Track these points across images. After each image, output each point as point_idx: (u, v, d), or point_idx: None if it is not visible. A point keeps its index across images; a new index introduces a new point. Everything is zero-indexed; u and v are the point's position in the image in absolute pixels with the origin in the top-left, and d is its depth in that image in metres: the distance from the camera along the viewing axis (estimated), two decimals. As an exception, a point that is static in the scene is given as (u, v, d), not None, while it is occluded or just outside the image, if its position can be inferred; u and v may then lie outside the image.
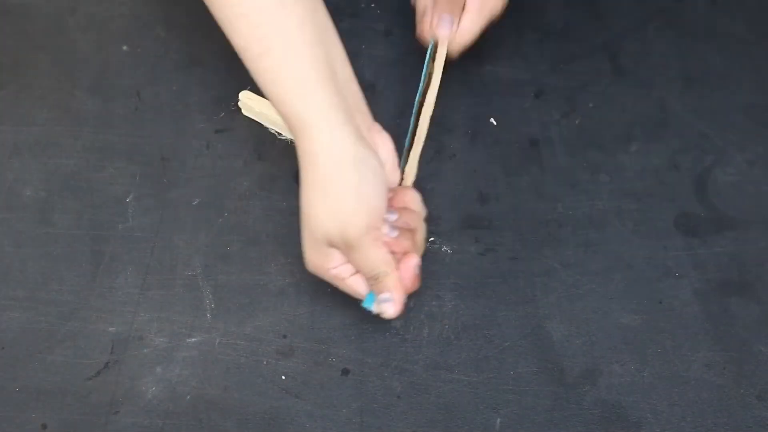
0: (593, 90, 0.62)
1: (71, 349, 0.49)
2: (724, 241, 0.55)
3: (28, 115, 0.60)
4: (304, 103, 0.43)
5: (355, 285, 0.47)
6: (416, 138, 0.53)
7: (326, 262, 0.46)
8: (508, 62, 0.64)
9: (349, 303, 0.51)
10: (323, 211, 0.44)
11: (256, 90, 0.53)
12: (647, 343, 0.50)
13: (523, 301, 0.52)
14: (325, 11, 0.45)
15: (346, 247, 0.44)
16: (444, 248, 0.54)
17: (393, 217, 0.46)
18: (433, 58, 0.56)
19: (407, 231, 0.46)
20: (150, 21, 0.66)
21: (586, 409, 0.47)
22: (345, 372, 0.49)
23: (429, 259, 0.53)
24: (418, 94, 0.54)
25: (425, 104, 0.54)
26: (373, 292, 0.46)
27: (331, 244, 0.45)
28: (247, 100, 0.58)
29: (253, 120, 0.60)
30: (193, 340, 0.49)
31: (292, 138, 0.47)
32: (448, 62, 0.56)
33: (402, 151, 0.51)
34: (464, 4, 0.56)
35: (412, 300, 0.51)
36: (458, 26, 0.56)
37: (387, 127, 0.48)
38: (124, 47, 0.64)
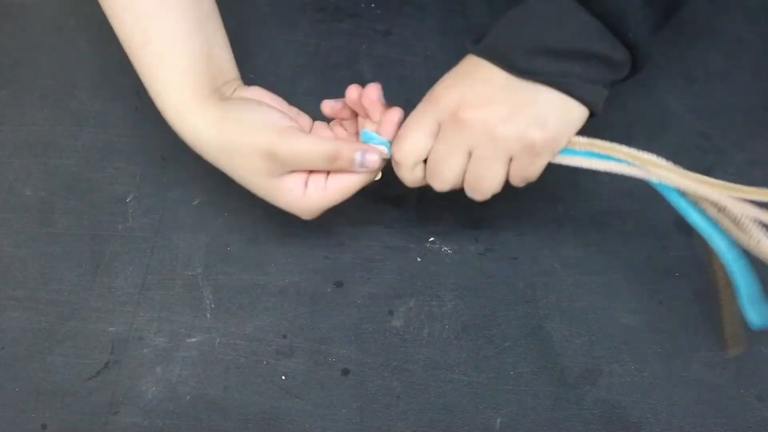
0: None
1: (71, 349, 0.49)
2: (724, 241, 0.55)
3: (28, 115, 0.60)
4: (180, 96, 0.46)
5: (341, 180, 0.47)
6: None
7: (295, 189, 0.46)
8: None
9: (349, 303, 0.51)
10: (237, 169, 0.46)
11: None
12: (647, 343, 0.50)
13: (523, 301, 0.52)
14: None
15: (281, 166, 0.45)
16: (444, 248, 0.54)
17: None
18: None
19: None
20: (150, 21, 0.66)
21: (586, 409, 0.47)
22: (345, 372, 0.49)
23: (429, 259, 0.53)
24: None
25: None
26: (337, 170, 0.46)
27: (275, 173, 0.46)
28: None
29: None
30: (193, 340, 0.49)
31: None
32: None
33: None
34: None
35: (412, 300, 0.51)
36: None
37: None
38: (124, 47, 0.64)
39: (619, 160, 0.44)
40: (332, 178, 0.47)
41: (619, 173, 0.44)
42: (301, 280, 0.52)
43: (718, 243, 0.42)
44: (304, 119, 0.49)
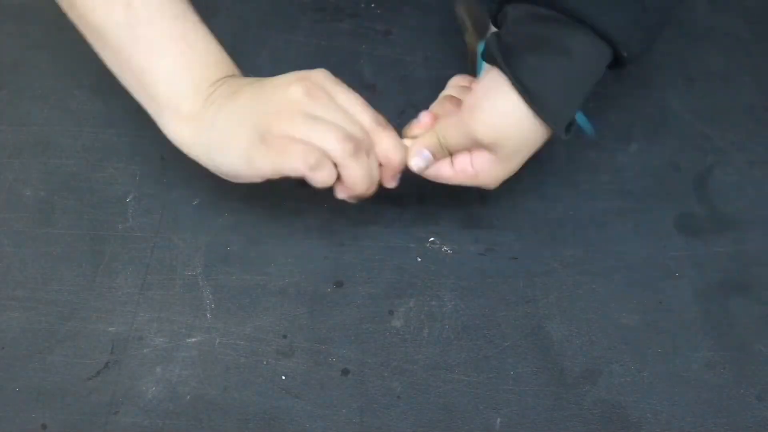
0: (593, 90, 0.62)
1: (71, 349, 0.49)
2: (724, 241, 0.55)
3: (28, 115, 0.60)
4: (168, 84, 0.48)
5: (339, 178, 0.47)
6: None
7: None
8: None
9: (349, 303, 0.51)
10: (222, 163, 0.48)
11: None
12: (647, 343, 0.50)
13: (523, 301, 0.52)
14: None
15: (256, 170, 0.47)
16: (444, 248, 0.54)
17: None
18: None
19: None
20: (150, 21, 0.66)
21: (586, 409, 0.47)
22: (345, 372, 0.49)
23: (429, 259, 0.53)
24: None
25: None
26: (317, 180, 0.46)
27: (263, 174, 0.47)
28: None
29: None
30: (193, 340, 0.49)
31: None
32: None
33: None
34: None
35: (412, 300, 0.51)
36: (432, 161, 0.50)
37: (387, 127, 0.48)
38: (124, 47, 0.64)
39: None
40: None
41: None
42: (301, 280, 0.52)
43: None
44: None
